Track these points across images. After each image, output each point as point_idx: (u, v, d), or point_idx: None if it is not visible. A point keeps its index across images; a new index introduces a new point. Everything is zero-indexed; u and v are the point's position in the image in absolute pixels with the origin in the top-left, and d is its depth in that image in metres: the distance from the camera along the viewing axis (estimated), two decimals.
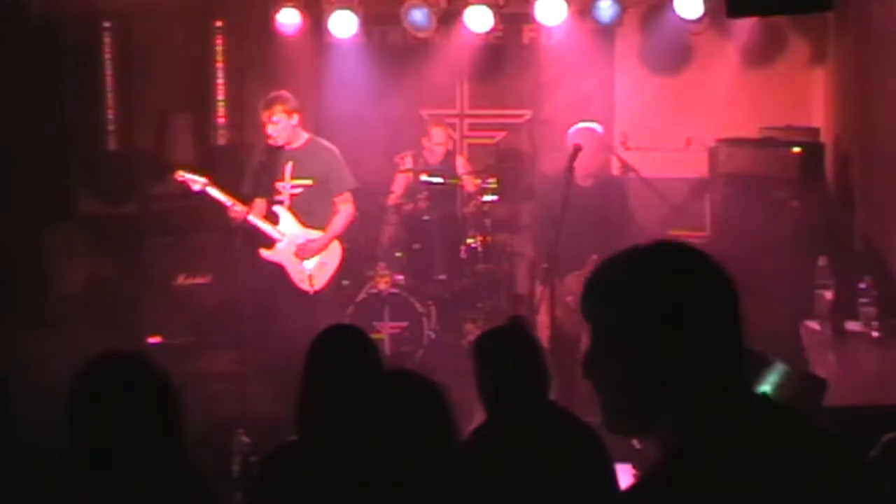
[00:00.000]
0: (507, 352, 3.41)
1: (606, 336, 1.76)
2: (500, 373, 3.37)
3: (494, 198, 7.78)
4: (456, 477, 2.11)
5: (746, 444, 1.68)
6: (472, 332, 7.74)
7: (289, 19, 8.12)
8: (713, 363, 1.72)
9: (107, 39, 8.34)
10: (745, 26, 8.12)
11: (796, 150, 7.21)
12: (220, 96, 8.46)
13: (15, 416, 2.95)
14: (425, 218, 7.64)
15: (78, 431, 2.57)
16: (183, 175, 6.55)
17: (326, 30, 8.23)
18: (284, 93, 6.60)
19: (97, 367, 2.64)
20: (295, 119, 6.56)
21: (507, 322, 3.62)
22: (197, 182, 6.50)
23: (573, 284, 6.62)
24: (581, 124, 6.77)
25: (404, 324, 7.37)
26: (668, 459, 1.71)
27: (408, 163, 7.90)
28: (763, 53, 8.32)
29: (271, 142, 6.55)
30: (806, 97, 8.31)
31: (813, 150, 7.36)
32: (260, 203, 6.65)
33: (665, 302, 1.72)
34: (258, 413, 5.82)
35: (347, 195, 6.72)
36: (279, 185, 6.61)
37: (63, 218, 8.50)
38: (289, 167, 6.59)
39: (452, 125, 8.76)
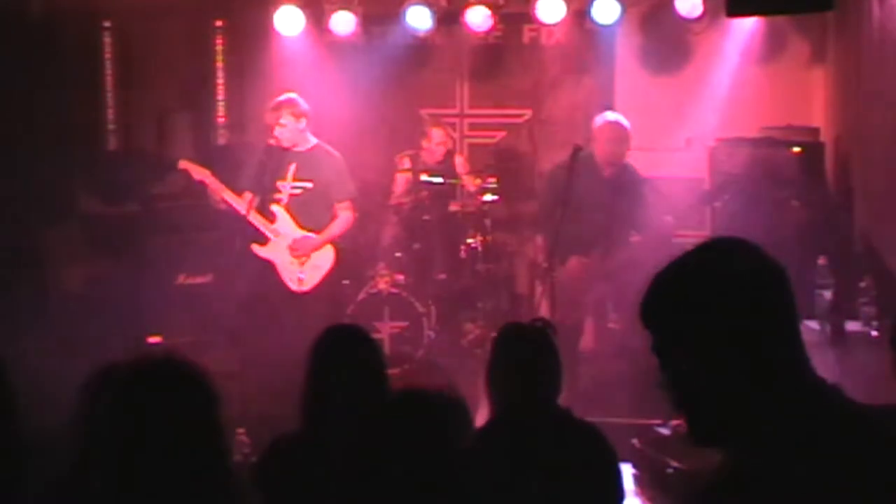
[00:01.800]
0: (526, 349, 3.40)
1: (688, 348, 1.74)
2: (515, 368, 3.36)
3: (494, 197, 7.78)
4: (460, 478, 2.10)
5: (823, 443, 1.68)
6: (472, 331, 7.75)
7: (289, 19, 8.12)
8: (792, 359, 1.73)
9: (107, 39, 8.33)
10: (745, 26, 8.11)
11: (796, 150, 7.21)
12: (220, 96, 8.46)
13: (15, 413, 2.94)
14: (425, 218, 7.64)
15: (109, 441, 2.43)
16: (186, 164, 6.68)
17: (326, 30, 8.23)
18: (294, 96, 6.64)
19: (136, 376, 2.49)
20: (303, 123, 6.60)
21: (532, 321, 3.63)
22: (199, 172, 6.60)
23: (575, 269, 6.67)
24: (608, 116, 6.89)
25: (404, 324, 7.37)
26: (750, 459, 1.70)
27: (406, 163, 7.90)
28: (763, 53, 8.31)
29: (272, 142, 6.57)
30: (806, 97, 8.31)
31: (813, 150, 7.37)
32: (255, 200, 6.68)
33: (744, 307, 1.71)
34: (258, 413, 5.82)
35: (348, 203, 6.79)
36: (280, 183, 6.65)
37: (63, 218, 8.48)
38: (292, 168, 6.64)
39: (452, 125, 8.77)
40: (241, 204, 6.53)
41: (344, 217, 6.78)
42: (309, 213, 6.69)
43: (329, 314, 6.75)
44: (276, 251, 6.70)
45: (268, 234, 6.68)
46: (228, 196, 6.55)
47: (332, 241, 6.79)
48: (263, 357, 6.46)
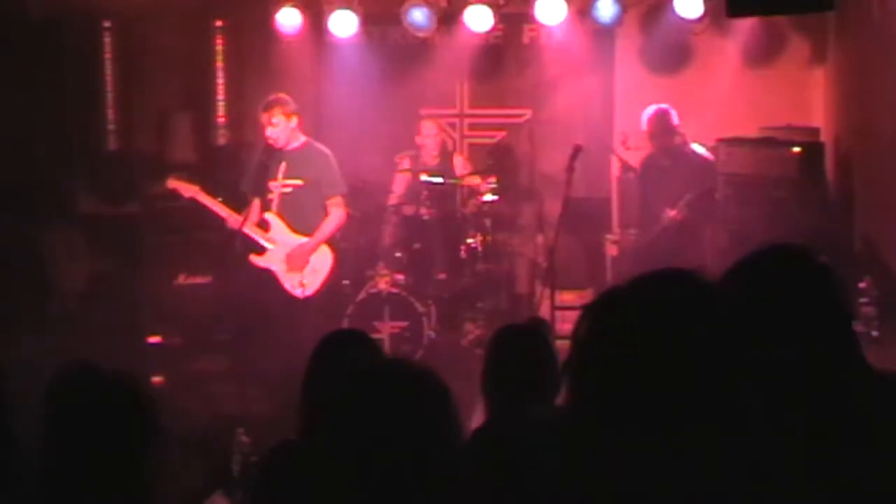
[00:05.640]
0: (522, 351, 3.38)
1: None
2: (510, 370, 3.35)
3: (494, 197, 7.78)
4: (456, 477, 2.10)
5: None
6: (472, 331, 7.75)
7: (289, 19, 8.12)
8: None
9: (107, 39, 8.33)
10: (745, 26, 8.11)
11: (796, 150, 7.21)
12: (220, 96, 8.46)
13: (11, 417, 2.94)
14: (425, 218, 7.64)
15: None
16: (174, 182, 6.66)
17: (326, 29, 8.23)
18: (283, 95, 6.67)
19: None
20: (294, 122, 6.63)
21: (528, 322, 3.60)
22: (188, 189, 6.61)
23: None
24: (655, 106, 7.38)
25: (404, 324, 7.37)
26: None
27: (406, 163, 7.91)
28: (763, 53, 8.31)
29: (270, 142, 6.61)
30: (806, 97, 8.31)
31: (813, 150, 7.36)
32: (257, 203, 6.70)
33: None
34: (258, 413, 5.82)
35: (339, 199, 6.78)
36: (271, 184, 6.67)
37: (63, 218, 8.48)
38: (282, 167, 6.65)
39: (452, 125, 8.77)
40: (233, 217, 6.54)
41: (336, 214, 6.76)
42: (301, 212, 6.67)
43: (331, 316, 6.75)
44: (273, 260, 6.68)
45: (263, 243, 6.67)
46: (220, 210, 6.57)
47: (327, 242, 6.77)
48: (264, 361, 6.46)
